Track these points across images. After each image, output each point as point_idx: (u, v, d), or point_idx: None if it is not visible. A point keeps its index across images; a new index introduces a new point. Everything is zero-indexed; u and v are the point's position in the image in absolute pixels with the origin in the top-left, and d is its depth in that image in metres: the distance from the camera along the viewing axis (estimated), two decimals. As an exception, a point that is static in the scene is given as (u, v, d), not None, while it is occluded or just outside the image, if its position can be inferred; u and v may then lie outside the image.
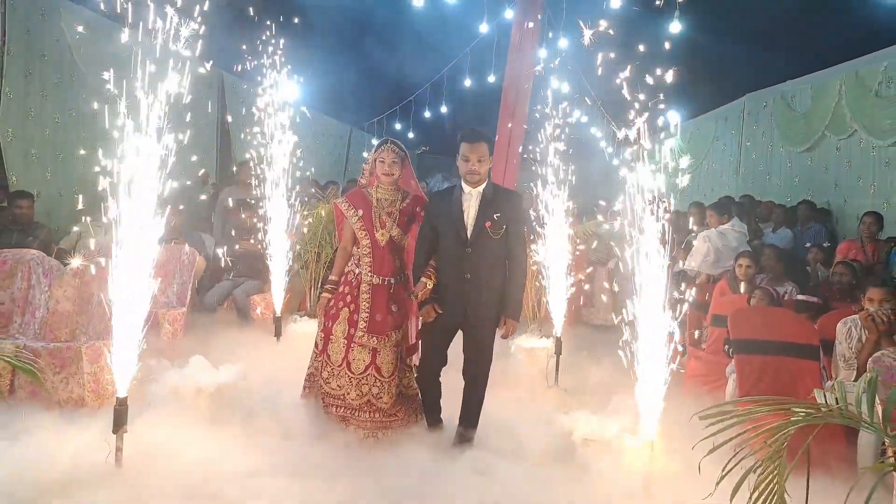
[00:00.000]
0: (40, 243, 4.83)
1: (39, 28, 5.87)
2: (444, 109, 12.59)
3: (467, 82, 11.22)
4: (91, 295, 3.91)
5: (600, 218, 6.82)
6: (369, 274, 3.29)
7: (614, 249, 6.29)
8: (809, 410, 1.47)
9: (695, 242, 5.57)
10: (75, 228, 5.74)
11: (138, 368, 2.69)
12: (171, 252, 4.62)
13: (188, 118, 2.75)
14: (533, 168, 4.52)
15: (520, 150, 7.21)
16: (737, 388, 3.49)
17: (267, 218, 4.65)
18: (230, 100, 9.04)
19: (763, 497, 1.33)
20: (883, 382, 2.36)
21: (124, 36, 2.64)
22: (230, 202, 6.46)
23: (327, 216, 5.30)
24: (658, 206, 2.68)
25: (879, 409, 1.65)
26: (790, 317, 3.75)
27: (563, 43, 7.80)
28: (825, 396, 1.52)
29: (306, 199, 5.99)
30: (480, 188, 3.08)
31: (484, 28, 9.27)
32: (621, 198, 2.90)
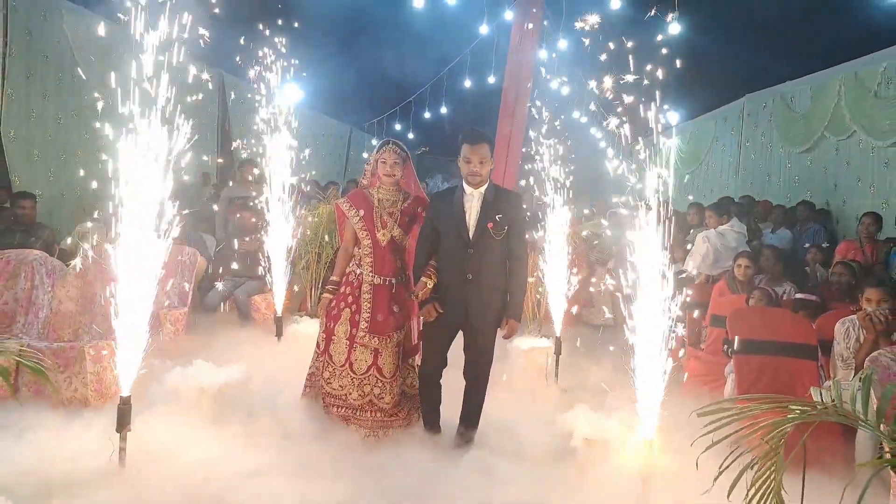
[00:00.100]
0: (43, 243, 4.85)
1: (41, 29, 5.89)
2: (443, 110, 12.63)
3: (467, 83, 11.26)
4: (94, 295, 3.93)
5: (604, 222, 6.83)
6: (370, 274, 3.30)
7: (613, 249, 6.32)
8: (805, 408, 1.49)
9: (689, 246, 5.59)
10: (76, 228, 5.77)
11: (141, 368, 2.70)
12: (172, 252, 4.63)
13: (189, 119, 2.76)
14: (528, 167, 4.53)
15: (519, 150, 7.23)
16: (735, 387, 3.52)
17: (267, 218, 4.66)
18: (230, 100, 9.07)
19: (760, 493, 1.35)
20: (880, 381, 2.38)
21: (125, 37, 2.65)
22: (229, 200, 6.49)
23: (328, 216, 5.31)
24: (660, 206, 2.69)
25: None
26: (788, 317, 3.77)
27: (563, 44, 7.82)
28: (821, 394, 1.54)
29: (307, 199, 6.02)
30: (482, 189, 3.08)
31: (484, 29, 9.30)
32: (621, 198, 2.91)
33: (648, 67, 3.19)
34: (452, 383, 3.29)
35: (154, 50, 2.65)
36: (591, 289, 6.03)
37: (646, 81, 3.03)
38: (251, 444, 3.01)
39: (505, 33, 8.34)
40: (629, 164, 2.92)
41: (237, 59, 5.02)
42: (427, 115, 12.80)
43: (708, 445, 1.54)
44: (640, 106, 2.96)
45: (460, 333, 3.23)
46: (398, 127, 13.58)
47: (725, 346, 3.91)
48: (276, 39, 4.59)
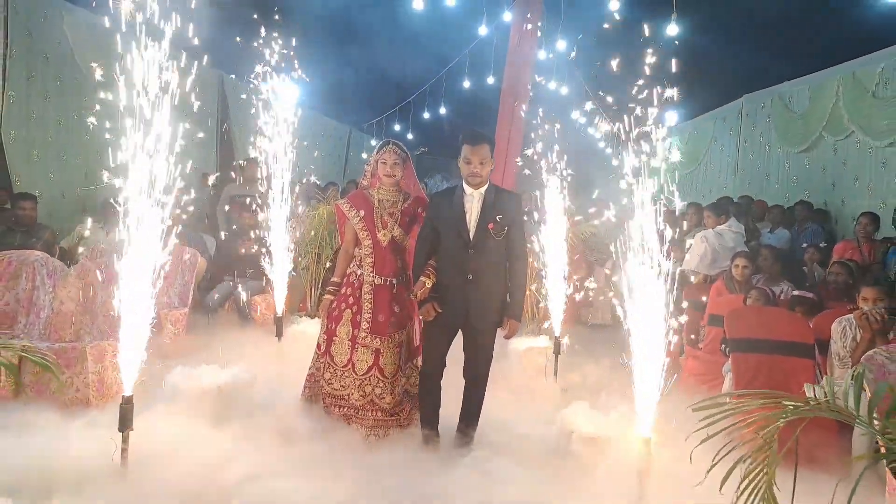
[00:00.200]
0: (44, 244, 4.86)
1: (41, 30, 5.91)
2: (442, 111, 12.66)
3: (466, 83, 11.29)
4: (95, 295, 3.95)
5: (599, 221, 6.86)
6: (371, 274, 3.31)
7: (612, 250, 6.33)
8: (798, 404, 1.52)
9: (689, 241, 5.61)
10: (77, 228, 5.78)
11: (143, 367, 2.72)
12: (172, 253, 4.65)
13: (189, 119, 2.78)
14: (526, 172, 4.56)
15: (519, 151, 7.25)
16: (733, 386, 3.54)
17: (267, 219, 4.68)
18: (230, 100, 9.09)
19: (752, 487, 1.37)
20: (875, 380, 2.40)
21: (125, 37, 2.67)
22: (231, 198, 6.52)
23: (328, 217, 5.33)
24: (661, 205, 2.71)
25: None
26: (785, 316, 3.80)
27: (562, 45, 7.84)
28: (814, 391, 1.56)
29: (307, 198, 6.04)
30: (482, 189, 3.09)
31: (483, 30, 9.32)
32: (620, 200, 2.93)
33: (648, 67, 3.21)
34: (451, 383, 3.30)
35: (155, 51, 2.66)
36: (591, 292, 6.05)
37: (644, 84, 3.04)
38: (252, 444, 3.02)
39: (504, 34, 8.36)
40: (628, 164, 2.93)
41: (237, 60, 5.04)
42: (426, 115, 12.83)
43: (703, 439, 1.57)
44: (638, 106, 2.98)
45: (460, 333, 3.25)
46: (397, 127, 13.61)
47: (723, 346, 3.93)
48: (276, 40, 4.61)
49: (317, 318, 4.81)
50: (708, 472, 1.53)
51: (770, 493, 1.37)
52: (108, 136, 2.65)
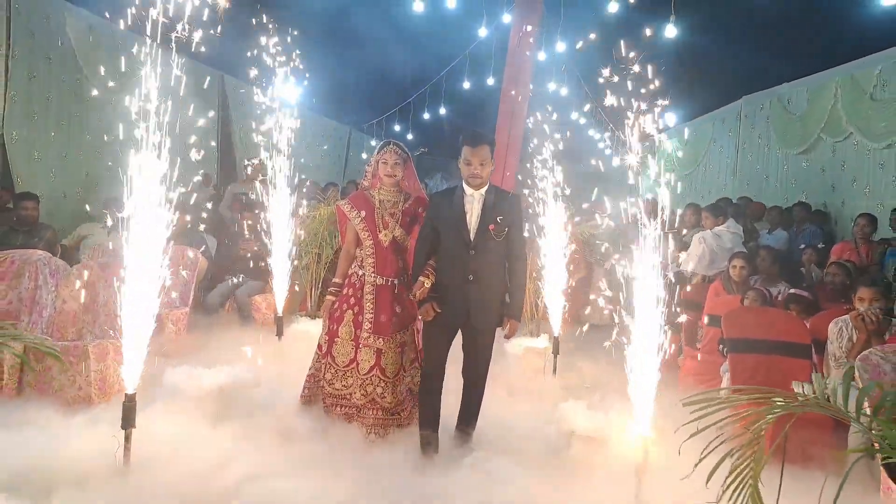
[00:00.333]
0: (45, 244, 4.89)
1: (44, 31, 5.93)
2: (442, 111, 12.68)
3: (466, 84, 11.32)
4: (97, 294, 3.97)
5: (606, 219, 6.88)
6: (373, 275, 3.32)
7: (610, 250, 6.37)
8: (788, 400, 1.55)
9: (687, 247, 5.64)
10: (77, 230, 5.81)
11: (145, 365, 2.74)
12: (173, 252, 4.67)
13: (188, 120, 2.80)
14: (521, 178, 4.58)
15: (519, 152, 7.28)
16: (730, 385, 3.56)
17: (267, 219, 4.70)
18: (231, 101, 9.11)
19: (738, 481, 1.40)
20: (870, 379, 2.43)
21: (126, 37, 2.69)
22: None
23: (328, 217, 5.36)
24: (657, 208, 2.73)
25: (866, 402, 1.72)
26: (782, 316, 3.82)
27: (561, 47, 7.86)
28: (802, 387, 1.59)
29: (309, 198, 6.06)
30: (482, 190, 3.09)
31: (483, 32, 9.35)
32: (617, 202, 2.95)
33: (648, 70, 3.23)
34: (450, 382, 3.32)
35: (155, 51, 2.68)
36: (592, 295, 6.09)
37: (644, 82, 3.07)
38: (252, 444, 3.03)
39: (504, 35, 8.39)
40: (627, 165, 2.96)
41: (237, 60, 5.07)
42: (426, 115, 12.85)
43: (692, 434, 1.59)
44: (637, 108, 3.00)
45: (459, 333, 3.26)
46: (397, 128, 13.63)
47: (721, 346, 3.96)
48: (276, 41, 4.63)
49: (317, 318, 4.85)
50: (695, 466, 1.56)
51: (755, 488, 1.40)
52: (105, 137, 2.66)
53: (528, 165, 4.74)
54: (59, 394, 3.42)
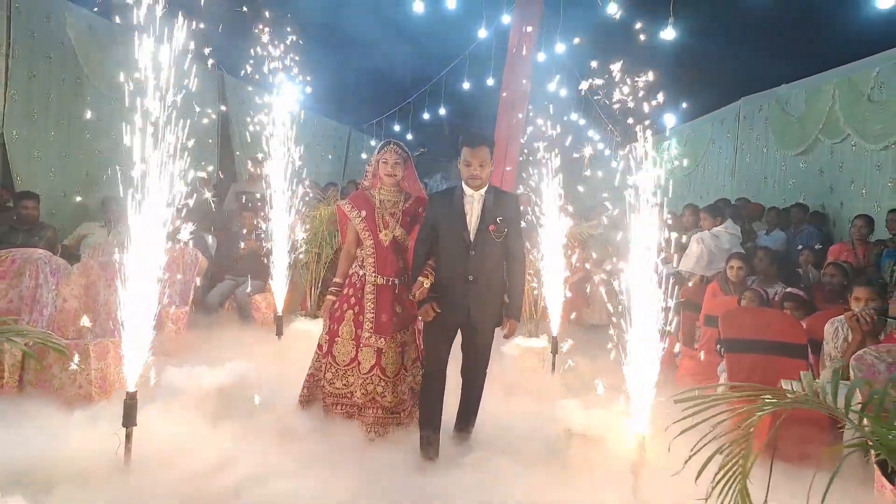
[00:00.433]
0: (46, 243, 4.90)
1: (44, 30, 5.94)
2: (442, 111, 12.70)
3: (466, 85, 11.34)
4: (98, 293, 3.99)
5: (604, 219, 6.90)
6: (373, 275, 3.33)
7: (609, 250, 6.39)
8: (777, 397, 1.57)
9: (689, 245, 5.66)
10: (77, 229, 5.82)
11: (146, 364, 2.76)
12: (173, 251, 4.70)
13: (189, 119, 2.81)
14: (527, 180, 4.60)
15: (518, 152, 7.29)
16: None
17: (268, 218, 4.73)
18: (231, 100, 9.12)
19: (727, 478, 1.42)
20: (864, 379, 2.45)
21: (126, 37, 2.70)
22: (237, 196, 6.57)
23: (328, 217, 5.38)
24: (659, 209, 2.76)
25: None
26: (779, 317, 3.85)
27: (561, 48, 7.88)
28: (791, 385, 1.62)
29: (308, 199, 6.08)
30: (482, 191, 3.10)
31: (482, 33, 9.37)
32: (615, 205, 2.97)
33: (646, 71, 3.25)
34: (449, 382, 3.33)
35: (155, 51, 2.70)
36: (589, 289, 6.11)
37: (644, 83, 3.09)
38: (252, 444, 3.04)
39: (504, 36, 8.42)
40: (626, 166, 2.97)
41: (238, 59, 5.08)
42: (426, 116, 12.88)
43: (683, 430, 1.61)
44: (637, 109, 3.02)
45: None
46: (397, 128, 13.66)
47: (718, 346, 3.98)
48: (276, 41, 4.65)
49: (317, 317, 4.87)
50: (685, 462, 1.58)
51: (743, 484, 1.42)
52: (112, 133, 2.68)
53: (525, 176, 4.76)
54: (60, 392, 3.44)
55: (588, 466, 2.90)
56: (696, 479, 1.53)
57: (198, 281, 4.82)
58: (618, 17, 7.36)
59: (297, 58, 4.73)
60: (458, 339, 3.27)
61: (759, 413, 1.48)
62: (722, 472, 1.44)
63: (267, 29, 4.68)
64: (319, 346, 3.46)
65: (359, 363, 3.32)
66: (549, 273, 4.58)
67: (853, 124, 6.62)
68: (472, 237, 3.07)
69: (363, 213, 3.36)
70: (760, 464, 1.51)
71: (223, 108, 8.83)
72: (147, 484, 2.59)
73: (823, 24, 10.19)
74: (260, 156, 6.69)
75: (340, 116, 13.60)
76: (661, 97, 3.08)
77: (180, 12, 2.82)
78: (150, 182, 2.66)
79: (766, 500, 1.56)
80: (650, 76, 3.22)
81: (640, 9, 7.22)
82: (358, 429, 3.28)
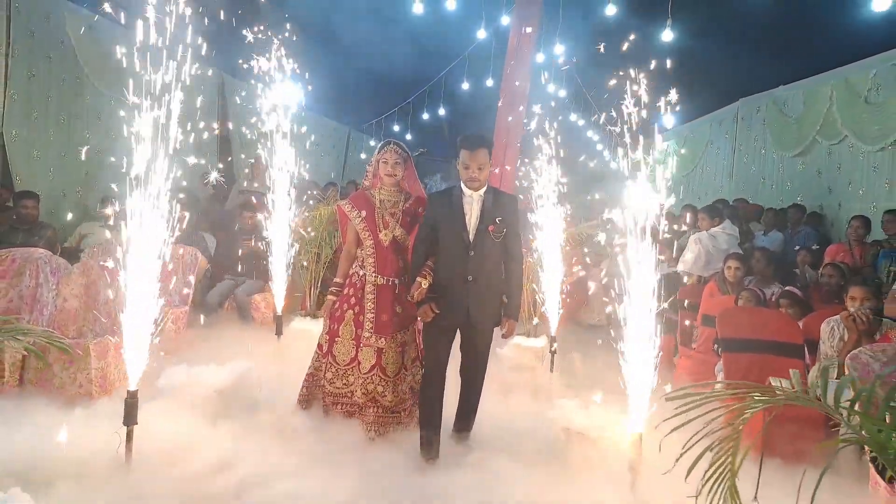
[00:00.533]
0: (46, 243, 4.91)
1: (43, 30, 5.95)
2: (442, 112, 12.73)
3: (465, 85, 11.36)
4: (98, 293, 4.00)
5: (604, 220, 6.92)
6: (374, 275, 3.34)
7: (607, 251, 6.42)
8: (768, 394, 1.59)
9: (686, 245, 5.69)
10: (77, 229, 5.83)
11: (147, 363, 2.77)
12: (173, 251, 4.70)
13: (189, 120, 2.82)
14: (525, 183, 4.62)
15: (517, 153, 7.31)
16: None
17: (268, 217, 4.74)
18: (230, 100, 9.14)
19: (717, 475, 1.43)
20: (860, 378, 2.46)
21: (126, 37, 2.71)
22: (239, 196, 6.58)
23: (328, 217, 5.39)
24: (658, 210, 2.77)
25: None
26: (776, 316, 3.87)
27: (560, 49, 7.90)
28: (780, 382, 1.64)
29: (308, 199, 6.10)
30: (481, 192, 3.12)
31: (482, 34, 9.39)
32: (614, 207, 2.98)
33: (644, 74, 3.27)
34: (448, 381, 3.34)
35: (155, 50, 2.71)
36: (590, 291, 6.13)
37: (644, 83, 3.10)
38: (252, 443, 3.04)
39: (504, 37, 8.44)
40: (625, 167, 2.99)
41: (237, 60, 5.09)
42: (426, 116, 12.90)
43: (673, 428, 1.63)
44: (636, 110, 3.04)
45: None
46: (396, 128, 13.68)
47: (715, 345, 4.01)
48: (276, 41, 4.66)
49: (317, 317, 4.88)
50: (676, 460, 1.60)
51: (732, 481, 1.44)
52: (112, 133, 2.69)
53: (521, 175, 4.78)
54: (61, 391, 3.45)
55: (587, 465, 2.92)
56: (686, 476, 1.55)
57: (191, 280, 4.83)
58: (616, 18, 7.38)
59: (296, 58, 4.74)
60: (458, 339, 3.29)
61: (749, 410, 1.50)
62: (712, 470, 1.46)
63: (267, 29, 4.69)
64: (319, 346, 3.47)
65: (359, 363, 3.33)
66: (549, 273, 4.60)
67: (850, 125, 6.66)
68: (471, 237, 3.08)
69: (363, 213, 3.37)
70: (753, 461, 1.53)
71: (222, 107, 8.85)
72: (147, 482, 2.60)
73: (821, 25, 10.23)
74: (260, 154, 6.71)
75: (340, 116, 13.62)
76: (663, 100, 3.10)
77: (180, 13, 2.83)
78: (149, 182, 2.68)
79: (755, 497, 1.58)
80: (650, 77, 3.24)
81: (638, 12, 7.25)
82: (358, 428, 3.29)
